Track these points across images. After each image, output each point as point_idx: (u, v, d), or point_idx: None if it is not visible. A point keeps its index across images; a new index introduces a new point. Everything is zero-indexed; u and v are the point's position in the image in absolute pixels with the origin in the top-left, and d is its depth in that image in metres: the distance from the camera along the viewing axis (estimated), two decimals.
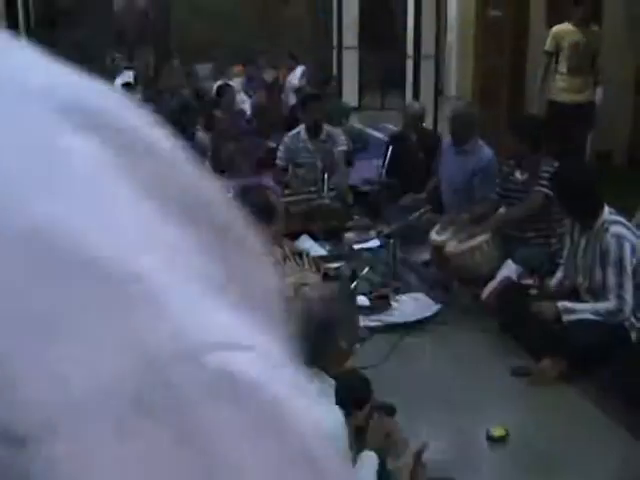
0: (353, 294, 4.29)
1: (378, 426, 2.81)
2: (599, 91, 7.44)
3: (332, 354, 2.48)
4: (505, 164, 5.42)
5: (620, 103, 9.07)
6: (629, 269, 3.93)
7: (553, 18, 8.58)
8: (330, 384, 2.53)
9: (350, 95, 13.83)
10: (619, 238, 3.95)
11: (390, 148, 6.38)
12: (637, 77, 8.77)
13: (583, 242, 4.18)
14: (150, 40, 16.30)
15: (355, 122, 12.05)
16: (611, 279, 3.96)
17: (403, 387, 3.97)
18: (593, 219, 4.07)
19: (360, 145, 10.06)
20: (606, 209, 4.09)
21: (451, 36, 15.13)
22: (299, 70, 13.03)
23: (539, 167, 5.07)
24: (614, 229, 3.99)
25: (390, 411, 2.96)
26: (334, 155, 6.71)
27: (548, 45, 7.44)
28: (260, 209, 3.39)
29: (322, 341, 2.45)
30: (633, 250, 3.95)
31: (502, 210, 5.41)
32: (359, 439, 2.75)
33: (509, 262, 4.86)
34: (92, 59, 15.76)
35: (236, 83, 11.37)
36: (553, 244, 5.08)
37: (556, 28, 7.50)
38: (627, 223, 4.10)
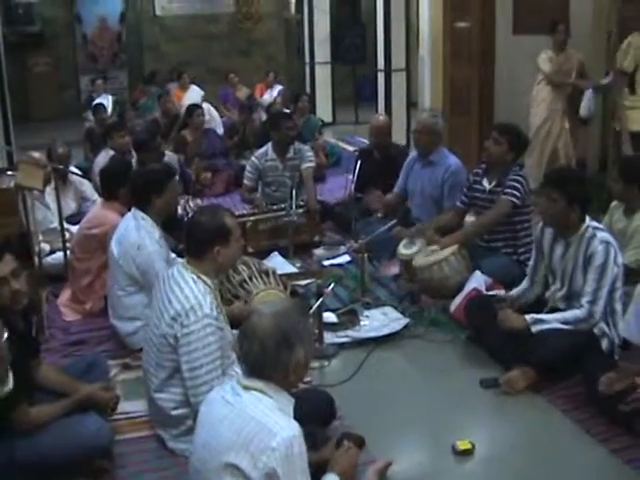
0: (313, 310, 4.27)
1: (345, 455, 2.78)
2: None
3: (287, 370, 2.43)
4: (472, 172, 5.40)
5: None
6: (610, 275, 3.91)
7: (519, 27, 8.65)
8: (289, 400, 2.51)
9: (324, 110, 13.87)
10: (607, 244, 3.93)
11: (359, 163, 6.35)
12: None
13: (560, 248, 4.14)
14: (124, 63, 16.32)
15: (329, 137, 12.08)
16: (591, 283, 3.93)
17: (372, 402, 3.94)
18: (577, 225, 4.04)
19: (334, 160, 10.08)
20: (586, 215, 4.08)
21: (422, 49, 15.23)
22: (277, 88, 13.06)
23: (506, 175, 5.06)
24: (601, 235, 3.97)
25: (360, 442, 2.92)
26: (302, 172, 6.69)
27: (627, 62, 6.84)
28: (215, 230, 3.34)
29: (282, 355, 2.43)
30: (616, 257, 3.94)
31: (468, 217, 5.39)
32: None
33: (477, 273, 4.84)
34: (66, 82, 15.79)
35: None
36: (520, 253, 5.07)
37: (635, 39, 6.82)
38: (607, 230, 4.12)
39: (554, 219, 4.13)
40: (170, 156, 7.62)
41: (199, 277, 3.31)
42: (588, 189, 4.14)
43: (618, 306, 4.01)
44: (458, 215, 5.42)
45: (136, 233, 4.42)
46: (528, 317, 4.04)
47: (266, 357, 2.42)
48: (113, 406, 3.51)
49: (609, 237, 4.01)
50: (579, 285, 4.02)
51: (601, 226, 4.14)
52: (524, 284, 4.41)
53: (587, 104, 7.41)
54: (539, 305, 4.24)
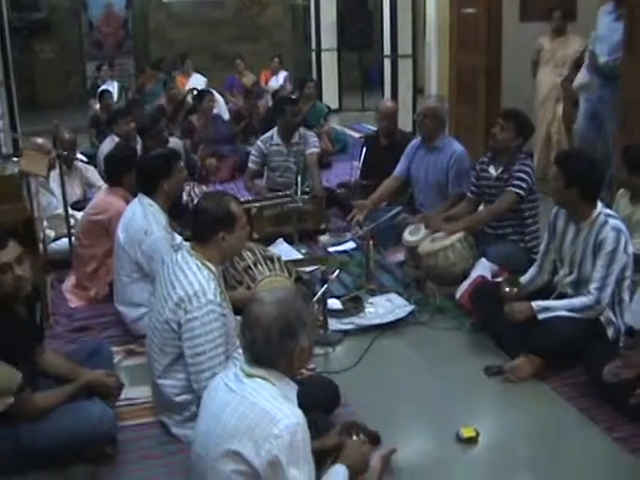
0: (317, 296, 4.26)
1: (359, 448, 2.78)
2: None
3: (291, 357, 2.43)
4: (478, 161, 5.38)
5: None
6: (619, 263, 3.89)
7: (526, 14, 8.60)
8: (292, 387, 2.50)
9: (330, 97, 13.84)
10: (619, 232, 3.91)
11: (364, 149, 6.33)
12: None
13: (571, 233, 4.11)
14: (130, 49, 16.28)
15: (336, 123, 12.05)
16: (599, 270, 3.91)
17: (376, 389, 3.93)
18: (587, 212, 4.02)
19: (340, 147, 10.06)
20: (599, 203, 4.05)
21: (429, 35, 15.15)
22: (282, 75, 13.03)
23: (513, 162, 5.03)
24: (613, 222, 3.95)
25: (375, 440, 2.92)
26: (307, 157, 6.67)
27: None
28: (220, 216, 3.33)
29: (286, 342, 2.42)
30: (626, 246, 3.92)
31: (481, 208, 5.37)
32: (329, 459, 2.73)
33: (483, 260, 4.83)
34: (72, 68, 15.78)
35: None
36: (527, 241, 5.05)
37: None
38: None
39: (558, 198, 4.15)
40: (175, 142, 7.62)
41: (203, 263, 3.31)
42: (594, 174, 4.07)
43: (626, 296, 3.99)
44: (470, 206, 5.38)
45: (143, 219, 4.41)
46: (534, 304, 4.02)
47: (270, 345, 2.41)
48: (117, 392, 3.51)
49: (621, 225, 3.98)
50: (588, 271, 4.00)
51: (614, 214, 4.11)
52: (532, 270, 4.39)
53: (581, 76, 7.26)
54: (547, 291, 4.22)
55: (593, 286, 3.92)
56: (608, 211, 4.07)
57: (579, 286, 4.08)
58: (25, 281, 3.17)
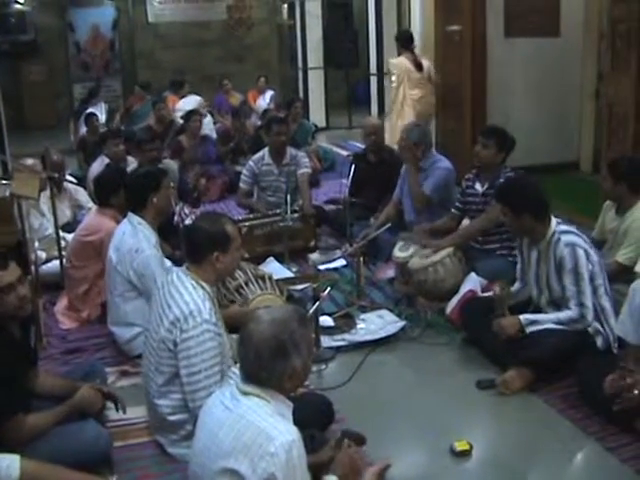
0: (309, 314, 4.28)
1: (346, 456, 2.78)
2: None
3: (281, 378, 2.44)
4: (464, 177, 5.43)
5: (583, 112, 9.19)
6: (586, 275, 3.93)
7: (511, 30, 8.70)
8: (288, 405, 2.52)
9: (317, 115, 13.91)
10: (573, 246, 3.95)
11: (353, 167, 6.37)
12: (597, 86, 8.86)
13: (534, 256, 4.19)
14: (117, 70, 16.30)
15: (323, 142, 12.10)
16: (570, 288, 3.96)
17: (369, 405, 3.96)
18: (542, 231, 4.07)
19: (328, 165, 10.10)
20: (553, 220, 4.10)
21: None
22: (268, 93, 13.09)
23: (498, 177, 5.09)
24: (566, 238, 3.99)
25: (360, 441, 2.93)
26: (298, 177, 6.71)
27: None
28: (215, 236, 3.36)
29: (277, 364, 2.43)
30: (587, 256, 3.96)
31: (465, 222, 5.42)
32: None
33: (472, 275, 4.86)
34: (59, 90, 15.77)
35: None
36: (515, 255, 5.07)
37: None
38: (576, 230, 4.11)
39: (514, 229, 4.26)
40: (169, 163, 7.64)
41: (198, 283, 3.33)
42: (536, 195, 4.11)
43: (605, 302, 4.03)
44: (454, 221, 5.44)
45: (133, 237, 4.44)
46: (523, 318, 4.06)
47: (261, 364, 2.42)
48: (104, 401, 3.53)
49: (574, 238, 4.01)
50: (557, 290, 4.06)
51: (567, 227, 4.12)
52: (517, 285, 4.44)
53: None
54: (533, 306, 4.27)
55: (572, 303, 3.98)
56: (562, 227, 4.10)
57: (556, 304, 4.12)
58: (27, 300, 3.20)
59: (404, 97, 8.61)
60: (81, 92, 14.59)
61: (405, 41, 8.79)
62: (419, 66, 8.59)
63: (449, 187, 5.69)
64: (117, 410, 3.60)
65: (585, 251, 3.97)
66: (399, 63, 8.70)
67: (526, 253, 4.30)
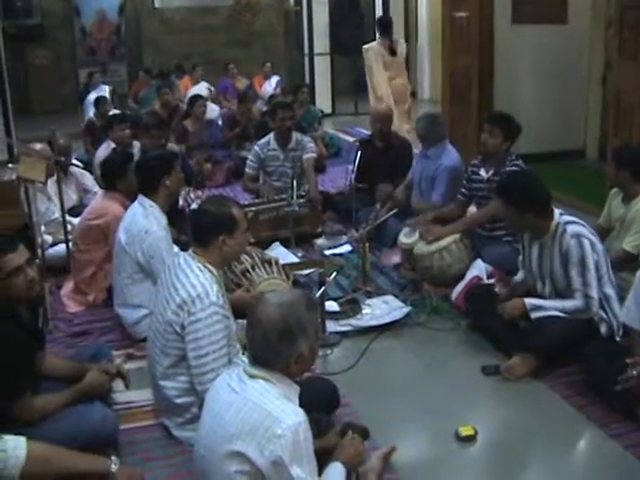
0: (316, 299, 4.29)
1: (350, 444, 2.79)
2: None
3: (288, 362, 2.45)
4: (470, 163, 5.42)
5: (590, 99, 9.16)
6: (592, 266, 3.93)
7: (518, 16, 8.66)
8: (294, 389, 2.52)
9: (324, 101, 13.88)
10: (579, 237, 3.94)
11: (359, 153, 6.36)
12: (604, 73, 8.83)
13: (536, 249, 4.17)
14: (123, 55, 16.30)
15: (329, 128, 12.09)
16: (576, 279, 3.95)
17: (374, 390, 3.97)
18: (545, 226, 4.06)
19: (334, 151, 10.09)
20: (556, 211, 4.08)
21: (421, 39, 15.24)
22: (274, 79, 13.08)
23: (504, 164, 5.08)
24: (571, 228, 3.98)
25: (364, 434, 2.94)
26: (303, 162, 6.72)
27: None
28: (221, 219, 3.36)
29: (283, 347, 2.44)
30: (592, 246, 3.95)
31: (472, 208, 5.42)
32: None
33: (478, 261, 4.87)
34: (65, 74, 15.78)
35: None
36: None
37: None
38: (580, 221, 4.10)
39: (517, 227, 4.28)
40: (173, 147, 7.64)
41: (205, 266, 3.34)
42: (539, 193, 4.07)
43: (609, 290, 4.03)
44: (460, 207, 5.44)
45: (145, 219, 4.45)
46: (527, 301, 4.07)
47: (267, 347, 2.43)
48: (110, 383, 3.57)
49: (579, 228, 4.00)
50: (561, 282, 4.05)
51: (572, 218, 4.10)
52: (520, 275, 4.44)
53: None
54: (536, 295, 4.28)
55: (578, 294, 3.97)
56: (566, 217, 4.08)
57: (560, 295, 4.12)
58: (36, 283, 3.22)
59: (377, 79, 9.51)
60: (85, 77, 14.57)
61: (383, 27, 9.68)
62: (393, 51, 9.46)
63: (457, 183, 5.64)
64: (127, 387, 3.62)
65: (590, 241, 3.96)
66: (371, 47, 9.61)
67: (527, 247, 4.28)
